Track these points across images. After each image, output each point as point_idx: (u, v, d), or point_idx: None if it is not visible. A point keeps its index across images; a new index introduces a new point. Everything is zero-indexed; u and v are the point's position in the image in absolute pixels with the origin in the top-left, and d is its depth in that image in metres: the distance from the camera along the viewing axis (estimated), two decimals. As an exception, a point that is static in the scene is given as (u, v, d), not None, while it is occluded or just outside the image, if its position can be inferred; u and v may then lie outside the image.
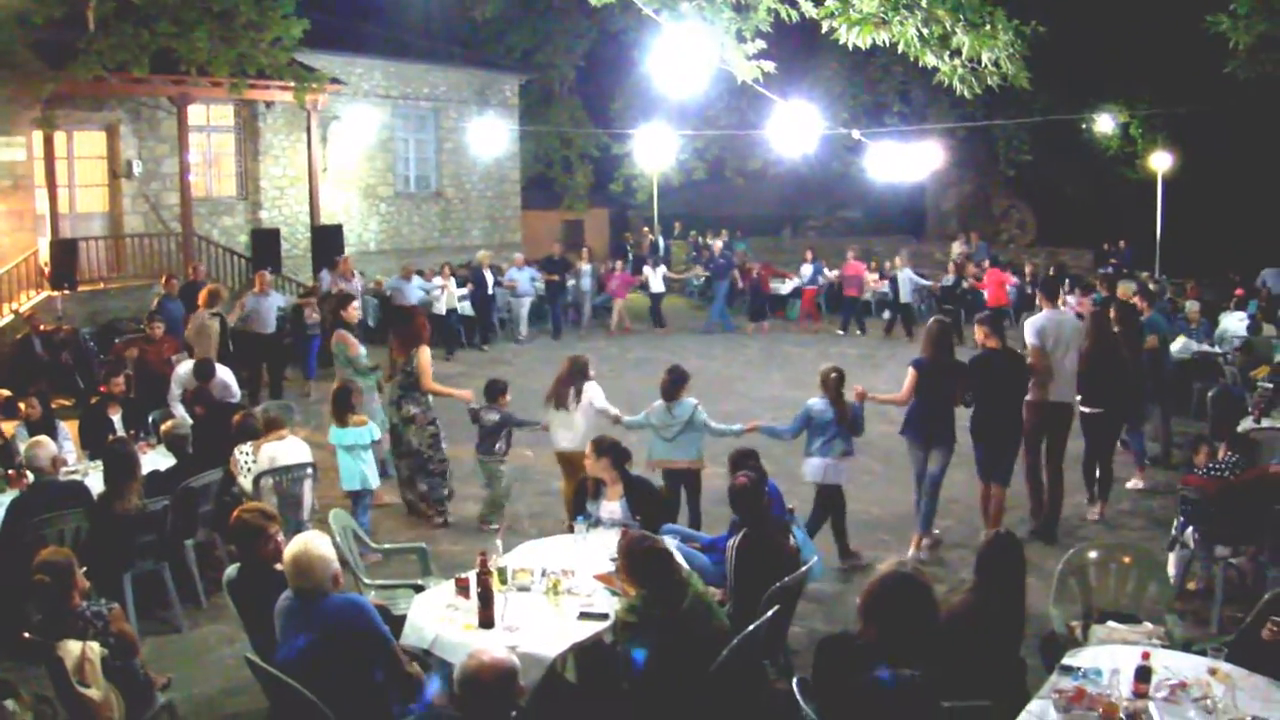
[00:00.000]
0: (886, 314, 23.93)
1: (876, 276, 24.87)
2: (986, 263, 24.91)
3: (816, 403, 9.59)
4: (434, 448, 10.80)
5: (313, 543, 5.49)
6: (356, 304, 12.58)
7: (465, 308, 21.82)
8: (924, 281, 23.66)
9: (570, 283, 24.08)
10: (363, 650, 5.45)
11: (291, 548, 5.49)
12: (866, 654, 5.00)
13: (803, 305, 25.19)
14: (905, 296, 23.09)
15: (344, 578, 5.67)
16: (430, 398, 10.81)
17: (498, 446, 10.63)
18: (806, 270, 25.11)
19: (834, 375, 9.58)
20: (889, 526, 10.74)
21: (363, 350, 11.72)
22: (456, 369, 18.60)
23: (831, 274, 25.24)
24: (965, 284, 22.51)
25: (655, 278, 24.35)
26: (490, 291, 22.17)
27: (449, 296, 21.09)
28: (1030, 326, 10.54)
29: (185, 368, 12.09)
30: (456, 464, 11.40)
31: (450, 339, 21.03)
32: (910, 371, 9.87)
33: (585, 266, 24.43)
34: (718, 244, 26.01)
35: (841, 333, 23.37)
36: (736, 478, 7.56)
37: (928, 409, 9.80)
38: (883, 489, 11.77)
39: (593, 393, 9.99)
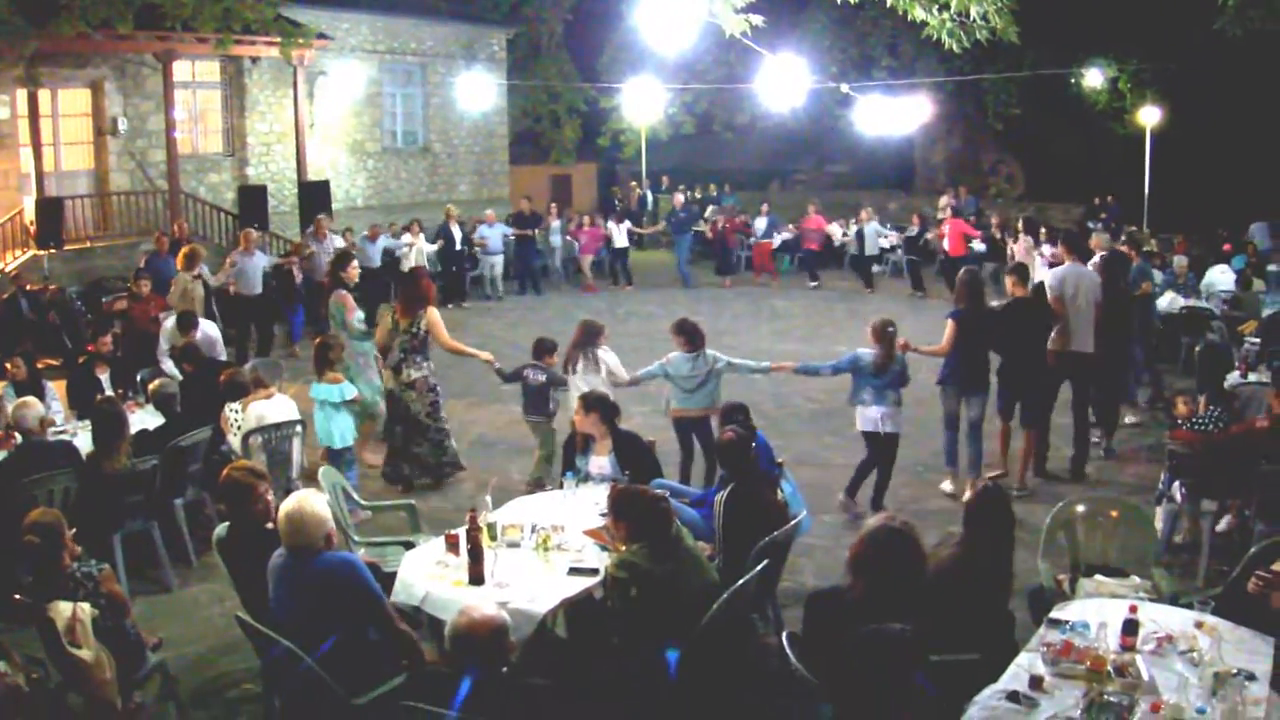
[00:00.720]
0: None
1: (841, 232, 25.02)
2: (973, 217, 24.93)
3: (867, 352, 9.63)
4: (433, 415, 10.50)
5: (308, 501, 5.50)
6: (356, 264, 12.15)
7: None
8: (890, 233, 24.27)
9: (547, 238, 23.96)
10: (355, 609, 5.47)
11: (286, 505, 5.49)
12: (856, 609, 5.03)
13: (756, 259, 25.07)
14: (870, 249, 23.50)
15: (337, 537, 5.68)
16: (431, 363, 10.53)
17: (551, 406, 10.33)
18: (761, 224, 25.10)
19: (890, 329, 9.62)
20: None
21: (360, 314, 11.23)
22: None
23: (790, 227, 25.55)
24: (929, 235, 22.93)
25: (619, 233, 24.07)
26: (459, 248, 21.68)
27: (418, 254, 20.23)
28: (1052, 277, 10.90)
29: (172, 323, 12.06)
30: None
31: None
32: (950, 323, 10.06)
33: (555, 222, 24.17)
34: (679, 198, 25.49)
35: (814, 284, 23.53)
36: (724, 432, 7.59)
37: (967, 358, 10.04)
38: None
39: (606, 357, 9.97)
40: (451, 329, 10.92)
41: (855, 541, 5.34)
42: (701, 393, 9.72)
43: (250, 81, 23.68)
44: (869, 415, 9.65)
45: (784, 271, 25.24)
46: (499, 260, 22.58)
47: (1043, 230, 19.22)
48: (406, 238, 20.51)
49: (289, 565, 5.50)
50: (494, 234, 22.34)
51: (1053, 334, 10.53)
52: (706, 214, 26.58)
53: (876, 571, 5.09)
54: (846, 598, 5.25)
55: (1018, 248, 19.57)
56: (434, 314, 10.46)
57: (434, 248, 20.96)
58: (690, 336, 9.79)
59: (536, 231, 23.37)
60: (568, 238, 24.33)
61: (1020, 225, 20.44)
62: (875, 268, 24.11)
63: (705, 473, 9.72)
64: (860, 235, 23.51)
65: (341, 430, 9.87)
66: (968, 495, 9.45)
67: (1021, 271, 10.66)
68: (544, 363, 10.33)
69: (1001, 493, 6.09)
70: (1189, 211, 24.40)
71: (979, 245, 21.81)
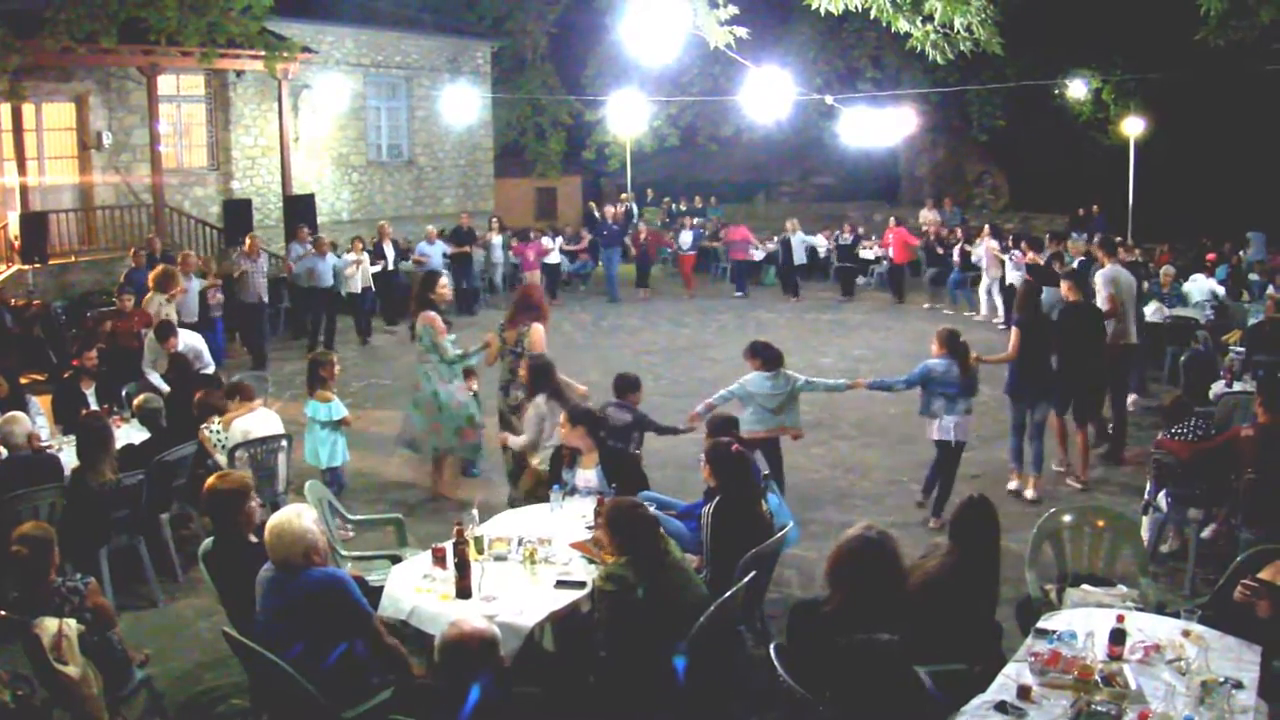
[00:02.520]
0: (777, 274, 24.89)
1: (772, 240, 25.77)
2: (959, 229, 25.09)
3: (937, 363, 9.71)
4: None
5: (295, 515, 5.48)
6: (446, 280, 10.95)
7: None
8: (816, 242, 25.10)
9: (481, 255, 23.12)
10: (342, 624, 5.46)
11: (274, 520, 5.48)
12: (833, 619, 5.04)
13: (682, 271, 25.13)
14: (799, 259, 24.04)
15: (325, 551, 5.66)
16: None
17: (633, 448, 9.36)
18: (686, 238, 25.09)
19: (962, 340, 9.79)
20: (865, 494, 10.80)
21: (451, 336, 10.52)
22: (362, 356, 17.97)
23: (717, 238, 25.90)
24: (864, 244, 24.18)
25: (554, 250, 23.88)
26: (392, 266, 20.51)
27: (364, 273, 18.96)
28: (1102, 278, 11.74)
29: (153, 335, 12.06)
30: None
31: (362, 320, 19.23)
32: (1014, 331, 10.47)
33: (495, 238, 23.34)
34: (611, 210, 25.15)
35: (739, 294, 23.81)
36: (715, 444, 7.59)
37: (1032, 363, 10.39)
38: (860, 454, 11.83)
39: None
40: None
41: (832, 552, 5.34)
42: (783, 412, 9.68)
43: (235, 95, 23.66)
44: (943, 425, 9.76)
45: (768, 284, 25.30)
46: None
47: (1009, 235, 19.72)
48: (350, 256, 19.00)
49: (276, 580, 5.49)
50: (435, 251, 21.16)
51: (1111, 331, 11.27)
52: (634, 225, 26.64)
53: (853, 581, 5.09)
54: (824, 609, 5.26)
55: (983, 252, 20.22)
56: (538, 331, 9.88)
57: (377, 267, 19.76)
58: (765, 357, 9.70)
59: (474, 248, 22.68)
60: (510, 254, 23.53)
61: (986, 230, 21.01)
62: (860, 279, 24.37)
63: (776, 489, 9.49)
64: (787, 245, 23.98)
65: (329, 449, 9.78)
66: (1030, 493, 10.17)
67: (1076, 277, 11.36)
68: (628, 400, 9.56)
69: (987, 503, 6.09)
70: (1173, 221, 24.51)
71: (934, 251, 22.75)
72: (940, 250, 23.61)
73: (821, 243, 25.58)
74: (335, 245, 19.43)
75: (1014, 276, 19.00)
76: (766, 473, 8.52)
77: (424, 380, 10.37)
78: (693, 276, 25.00)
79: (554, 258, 23.81)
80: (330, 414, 9.72)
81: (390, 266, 20.42)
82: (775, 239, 25.10)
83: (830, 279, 24.96)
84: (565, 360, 12.25)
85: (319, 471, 9.76)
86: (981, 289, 20.83)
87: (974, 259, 21.05)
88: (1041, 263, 17.75)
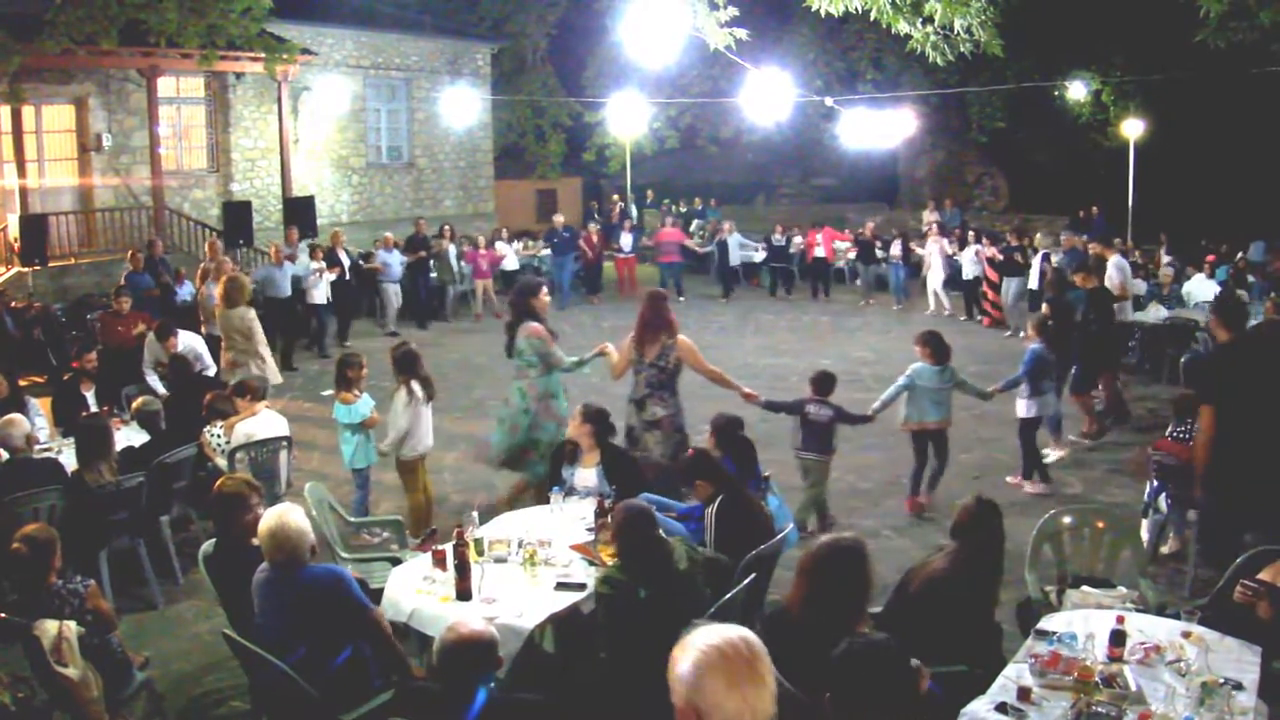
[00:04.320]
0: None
1: (698, 241, 26.52)
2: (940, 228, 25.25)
3: (1042, 347, 10.70)
4: (675, 459, 8.92)
5: (288, 515, 5.49)
6: (546, 292, 10.17)
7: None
8: (751, 244, 25.56)
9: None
10: (343, 621, 5.46)
11: (266, 521, 5.49)
12: (801, 625, 5.04)
13: (620, 274, 25.05)
14: (734, 260, 24.62)
15: (320, 550, 5.66)
16: (679, 398, 9.35)
17: (834, 443, 9.67)
18: (626, 240, 24.91)
19: (1053, 323, 11.01)
20: (864, 495, 10.81)
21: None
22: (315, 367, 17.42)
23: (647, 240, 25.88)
24: (793, 244, 24.84)
25: (511, 255, 23.28)
26: (348, 276, 19.18)
27: (325, 284, 18.14)
28: (1113, 267, 13.94)
29: (152, 336, 12.07)
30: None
31: (322, 332, 18.41)
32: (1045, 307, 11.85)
33: (450, 246, 21.79)
34: (559, 219, 24.31)
35: (681, 299, 23.57)
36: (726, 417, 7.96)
37: (1059, 343, 11.41)
38: (858, 455, 11.82)
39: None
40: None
41: (801, 558, 5.33)
42: (946, 405, 10.11)
43: (235, 97, 23.68)
44: (1049, 400, 11.01)
45: (768, 286, 25.37)
46: (397, 287, 20.49)
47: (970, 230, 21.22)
48: (314, 265, 18.02)
49: (273, 580, 5.49)
50: (394, 259, 20.24)
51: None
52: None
53: (821, 587, 5.08)
54: (789, 615, 5.25)
55: (934, 251, 21.25)
56: (686, 340, 9.36)
57: (333, 276, 18.45)
58: (936, 348, 10.01)
59: (432, 257, 21.38)
60: (463, 262, 22.28)
61: (934, 230, 22.20)
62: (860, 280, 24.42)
63: (931, 477, 10.23)
64: (723, 247, 24.36)
65: (352, 451, 9.55)
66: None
67: (1095, 266, 12.73)
68: (827, 398, 9.67)
69: (991, 506, 6.10)
70: (1173, 223, 24.52)
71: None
72: (879, 250, 24.13)
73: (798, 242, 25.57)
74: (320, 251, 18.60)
75: (973, 270, 20.33)
76: (768, 474, 8.51)
77: (517, 397, 9.63)
78: (631, 279, 24.95)
79: (511, 264, 23.01)
80: (350, 416, 9.42)
81: (346, 275, 19.15)
82: (712, 240, 25.53)
83: (798, 279, 25.27)
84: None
85: (356, 471, 9.67)
86: (929, 287, 21.59)
87: (925, 258, 21.86)
88: (1001, 257, 19.22)
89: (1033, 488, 10.75)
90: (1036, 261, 18.20)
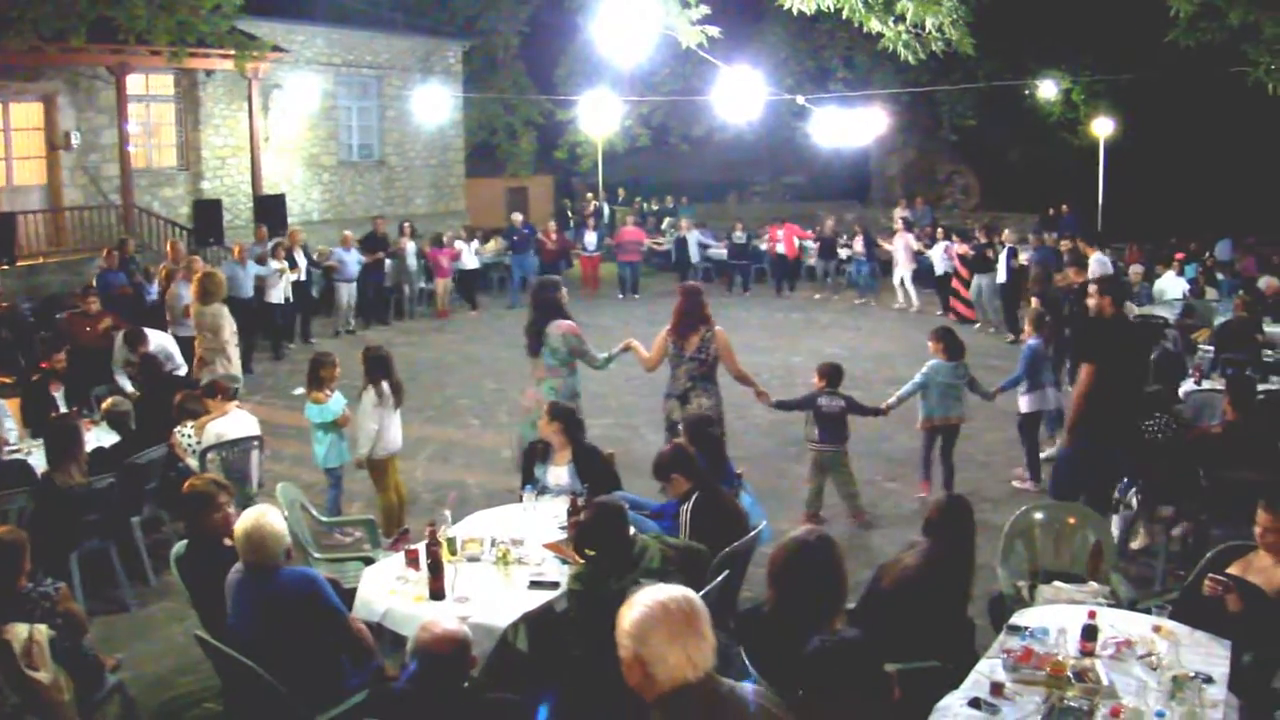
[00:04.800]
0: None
1: (667, 238, 27.07)
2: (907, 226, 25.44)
3: (1039, 343, 10.69)
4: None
5: (265, 517, 5.46)
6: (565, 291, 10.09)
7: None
8: (712, 243, 25.96)
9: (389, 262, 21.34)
10: (317, 624, 5.43)
11: (243, 522, 5.46)
12: (772, 621, 5.05)
13: (584, 272, 25.16)
14: (694, 258, 25.35)
15: (294, 552, 5.64)
16: (719, 388, 9.57)
17: (848, 432, 9.92)
18: (590, 239, 24.98)
19: (1049, 318, 10.97)
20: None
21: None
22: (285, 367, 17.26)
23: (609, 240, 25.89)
24: (755, 242, 25.53)
25: (469, 253, 23.02)
26: (303, 277, 18.57)
27: (286, 284, 17.86)
28: (1097, 262, 14.85)
29: (121, 338, 12.02)
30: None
31: (280, 332, 18.16)
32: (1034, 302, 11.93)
33: (409, 245, 21.57)
34: (517, 216, 24.10)
35: (621, 296, 24.08)
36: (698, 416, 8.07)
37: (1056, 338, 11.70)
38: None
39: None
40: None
41: (771, 556, 5.34)
42: (962, 400, 10.36)
43: (205, 95, 23.53)
44: (1050, 394, 10.85)
45: (735, 284, 25.41)
46: (354, 287, 20.04)
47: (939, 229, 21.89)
48: (274, 264, 17.66)
49: (247, 582, 5.47)
50: (351, 258, 19.75)
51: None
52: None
53: (790, 583, 5.10)
54: (763, 611, 5.27)
55: (900, 247, 22.00)
56: (723, 333, 9.57)
57: (293, 277, 18.13)
58: (950, 344, 10.21)
59: (390, 256, 21.13)
60: (423, 260, 22.03)
61: (900, 225, 22.85)
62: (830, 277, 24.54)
63: (944, 479, 10.33)
64: (681, 244, 24.86)
65: (324, 450, 9.54)
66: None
67: (1080, 260, 13.17)
68: (838, 390, 9.90)
69: (964, 502, 6.13)
70: (1143, 221, 24.68)
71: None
72: (840, 247, 24.73)
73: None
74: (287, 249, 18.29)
75: (944, 266, 20.93)
76: (740, 470, 8.53)
77: (549, 395, 9.42)
78: (595, 277, 25.10)
79: (470, 262, 23.00)
80: (323, 415, 9.43)
81: (304, 276, 18.69)
82: (671, 237, 25.87)
83: (770, 280, 25.49)
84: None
85: (329, 470, 9.65)
86: (895, 281, 22.24)
87: (892, 253, 22.58)
88: (971, 253, 19.59)
89: (1021, 484, 10.88)
90: (1003, 257, 18.55)
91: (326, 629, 5.48)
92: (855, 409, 9.87)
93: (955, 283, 20.59)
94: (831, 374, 9.86)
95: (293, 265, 18.19)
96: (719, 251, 26.04)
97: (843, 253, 24.40)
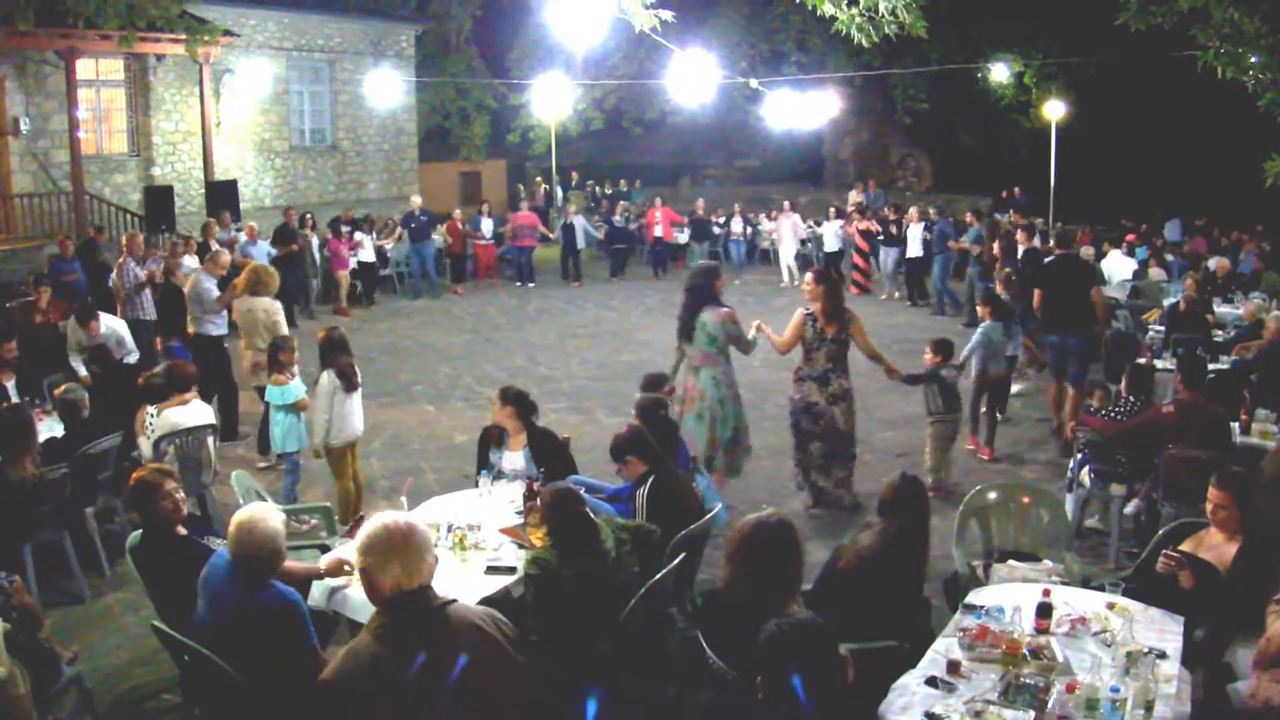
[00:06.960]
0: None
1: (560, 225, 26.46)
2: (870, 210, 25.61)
3: (991, 324, 11.34)
4: (852, 426, 9.86)
5: (264, 514, 5.26)
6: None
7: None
8: (593, 230, 26.19)
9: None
10: (285, 654, 5.20)
11: (241, 512, 5.26)
12: (732, 603, 5.07)
13: (481, 263, 24.73)
14: (580, 243, 25.05)
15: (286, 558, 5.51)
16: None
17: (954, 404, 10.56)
18: (486, 226, 24.49)
19: (1015, 277, 12.82)
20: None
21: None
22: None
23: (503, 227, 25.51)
24: (630, 224, 26.42)
25: (366, 246, 21.71)
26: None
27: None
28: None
29: (73, 320, 11.90)
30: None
31: None
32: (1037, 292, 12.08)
33: (314, 237, 21.10)
34: (416, 201, 23.91)
35: (521, 283, 23.98)
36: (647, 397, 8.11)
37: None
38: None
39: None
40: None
41: (729, 538, 5.36)
42: (1005, 356, 11.64)
43: (155, 80, 23.30)
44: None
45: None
46: None
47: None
48: (188, 260, 16.56)
49: (229, 582, 5.20)
50: (259, 251, 18.81)
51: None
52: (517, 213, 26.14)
53: (749, 566, 5.11)
54: (724, 592, 5.28)
55: (788, 227, 23.49)
56: (860, 317, 9.86)
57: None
58: (997, 307, 11.55)
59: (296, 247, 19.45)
60: (325, 252, 21.11)
61: (786, 206, 24.14)
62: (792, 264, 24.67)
63: (988, 430, 11.51)
64: (569, 230, 24.57)
65: (283, 433, 9.54)
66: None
67: (1065, 240, 13.00)
68: (949, 361, 10.56)
69: (918, 482, 6.17)
70: (1094, 203, 24.91)
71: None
72: (717, 229, 25.90)
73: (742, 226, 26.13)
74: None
75: (835, 244, 22.56)
76: (694, 454, 8.56)
77: (712, 388, 9.62)
78: (494, 267, 24.88)
79: (368, 255, 21.72)
80: (284, 397, 9.44)
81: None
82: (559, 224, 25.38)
83: (643, 261, 26.22)
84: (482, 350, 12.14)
85: (281, 458, 9.65)
86: (782, 260, 23.79)
87: (775, 232, 24.11)
88: (876, 229, 21.51)
89: (973, 444, 11.61)
90: (918, 231, 20.15)
91: (295, 662, 5.25)
92: (958, 379, 10.71)
93: (856, 257, 22.26)
94: (942, 347, 10.49)
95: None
96: (594, 234, 26.11)
97: (716, 230, 25.76)
